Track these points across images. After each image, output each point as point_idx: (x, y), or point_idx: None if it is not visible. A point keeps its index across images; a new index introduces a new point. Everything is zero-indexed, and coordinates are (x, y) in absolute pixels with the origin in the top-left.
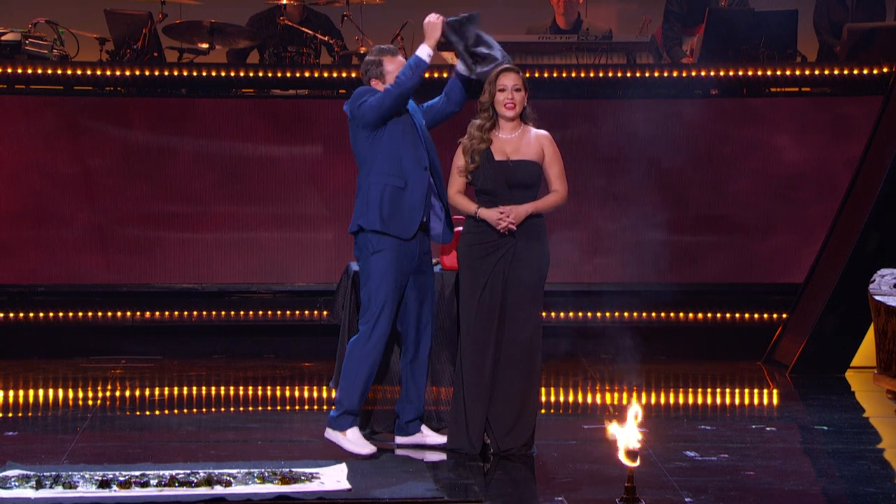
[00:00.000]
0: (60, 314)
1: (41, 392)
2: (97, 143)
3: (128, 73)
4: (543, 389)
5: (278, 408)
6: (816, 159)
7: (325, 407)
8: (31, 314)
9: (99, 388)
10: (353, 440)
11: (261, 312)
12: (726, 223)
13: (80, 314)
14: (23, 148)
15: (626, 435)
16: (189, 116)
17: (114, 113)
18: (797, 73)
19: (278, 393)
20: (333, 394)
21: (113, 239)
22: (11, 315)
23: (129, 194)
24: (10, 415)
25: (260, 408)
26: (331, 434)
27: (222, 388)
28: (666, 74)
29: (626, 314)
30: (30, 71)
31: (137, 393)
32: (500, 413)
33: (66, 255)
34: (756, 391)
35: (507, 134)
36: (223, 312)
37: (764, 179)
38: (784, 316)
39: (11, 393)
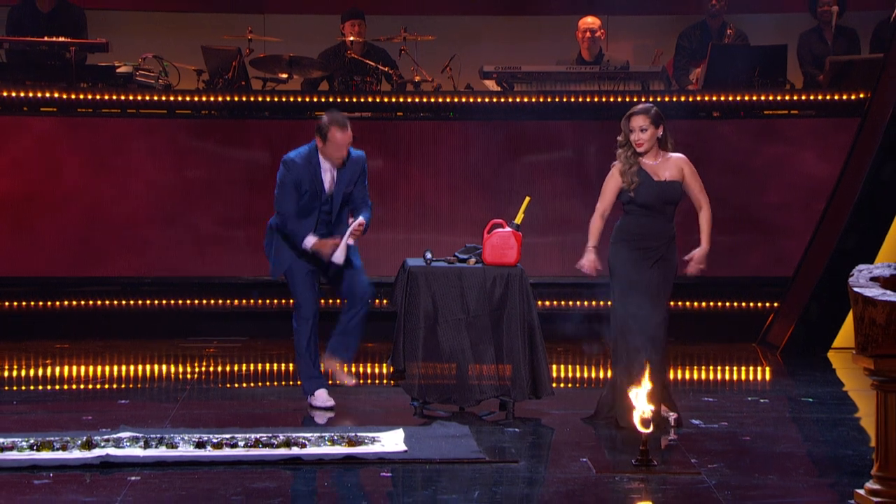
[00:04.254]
0: (164, 301)
1: (148, 367)
2: (194, 158)
3: (220, 98)
4: (570, 366)
5: None
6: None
7: (384, 381)
8: (140, 301)
9: (196, 364)
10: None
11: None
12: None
13: (180, 301)
14: (129, 162)
15: (641, 406)
16: (274, 135)
17: (209, 133)
18: (787, 98)
19: (345, 369)
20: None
21: (207, 238)
22: (123, 302)
23: (222, 199)
24: (123, 386)
25: (330, 381)
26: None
27: None
28: (675, 99)
29: None
30: (139, 97)
31: (228, 369)
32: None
33: (166, 251)
34: (751, 368)
35: (651, 160)
36: None
37: (754, 187)
38: (775, 304)
39: (123, 368)
